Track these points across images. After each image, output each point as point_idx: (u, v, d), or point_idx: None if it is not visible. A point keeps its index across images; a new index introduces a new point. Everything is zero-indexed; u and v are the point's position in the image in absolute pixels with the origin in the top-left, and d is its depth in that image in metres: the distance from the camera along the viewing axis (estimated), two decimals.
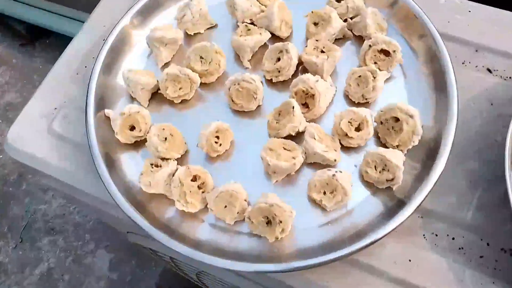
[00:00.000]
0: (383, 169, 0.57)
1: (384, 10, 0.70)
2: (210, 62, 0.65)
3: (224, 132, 0.61)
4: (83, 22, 0.76)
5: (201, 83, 0.66)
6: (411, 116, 0.58)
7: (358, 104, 0.64)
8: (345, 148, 0.61)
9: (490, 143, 0.61)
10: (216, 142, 0.60)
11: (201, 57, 0.65)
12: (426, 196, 0.55)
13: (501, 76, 0.67)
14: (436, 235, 0.57)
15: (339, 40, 0.70)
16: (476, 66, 0.68)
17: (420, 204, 0.55)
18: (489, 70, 0.68)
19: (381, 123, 0.60)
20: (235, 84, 0.63)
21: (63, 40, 1.80)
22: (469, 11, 0.72)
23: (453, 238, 0.57)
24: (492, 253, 0.56)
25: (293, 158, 0.57)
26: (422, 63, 0.66)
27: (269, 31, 0.68)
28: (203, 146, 0.60)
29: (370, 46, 0.64)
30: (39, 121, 0.69)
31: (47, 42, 2.00)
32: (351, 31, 0.69)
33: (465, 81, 0.66)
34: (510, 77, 0.67)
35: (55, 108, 0.69)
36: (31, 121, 0.69)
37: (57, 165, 0.66)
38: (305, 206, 0.58)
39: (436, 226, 0.58)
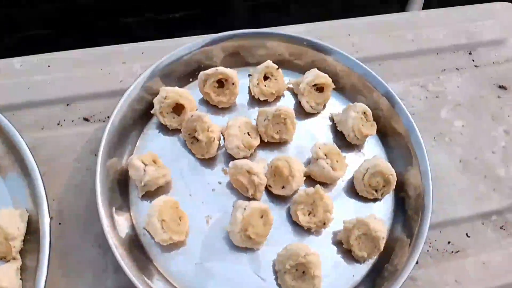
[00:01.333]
0: None
1: None
2: None
3: None
4: None
5: None
6: None
7: None
8: None
9: None
10: None
11: None
12: None
13: (99, 120, 0.64)
14: None
15: None
16: (73, 121, 0.64)
17: None
18: (86, 119, 0.64)
19: None
20: None
21: None
22: None
23: None
24: None
25: None
26: None
27: None
28: None
29: None
30: None
31: None
32: None
33: (63, 142, 0.61)
34: (107, 117, 0.64)
35: None
36: None
37: None
38: None
39: None
